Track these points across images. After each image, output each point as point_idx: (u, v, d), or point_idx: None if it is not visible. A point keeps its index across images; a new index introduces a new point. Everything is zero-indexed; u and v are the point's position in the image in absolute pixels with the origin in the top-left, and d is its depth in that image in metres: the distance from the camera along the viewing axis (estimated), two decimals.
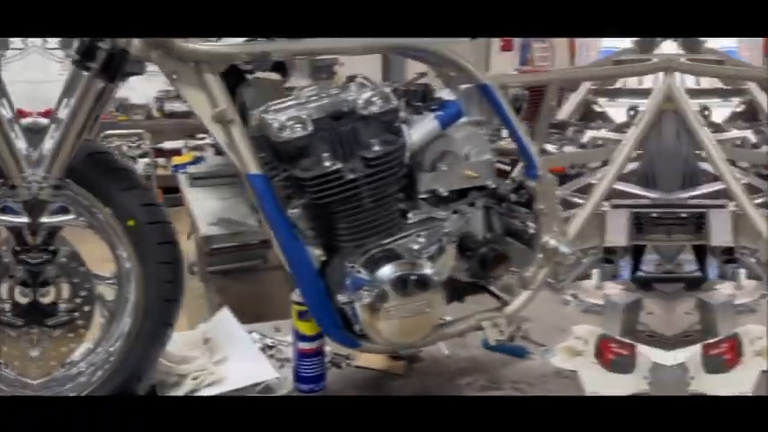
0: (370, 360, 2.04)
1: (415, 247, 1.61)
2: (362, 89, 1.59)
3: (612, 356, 1.94)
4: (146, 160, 5.49)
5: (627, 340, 2.00)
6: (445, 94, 1.76)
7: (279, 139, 1.49)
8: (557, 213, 1.81)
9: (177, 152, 5.84)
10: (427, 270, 1.58)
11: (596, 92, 2.79)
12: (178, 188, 4.50)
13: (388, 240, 1.60)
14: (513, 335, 2.20)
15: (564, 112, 2.61)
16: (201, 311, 3.06)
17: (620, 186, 2.20)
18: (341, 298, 1.58)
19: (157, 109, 6.52)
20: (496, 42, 10.43)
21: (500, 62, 10.20)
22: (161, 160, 5.98)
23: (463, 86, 1.75)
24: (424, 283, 1.56)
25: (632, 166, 2.22)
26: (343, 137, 1.54)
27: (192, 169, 4.62)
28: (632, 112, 2.29)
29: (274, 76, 1.89)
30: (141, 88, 5.90)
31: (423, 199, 1.72)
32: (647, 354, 1.94)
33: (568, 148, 2.01)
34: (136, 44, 1.47)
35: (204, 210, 3.83)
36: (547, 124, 1.90)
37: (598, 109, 3.03)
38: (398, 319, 1.55)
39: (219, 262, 4.13)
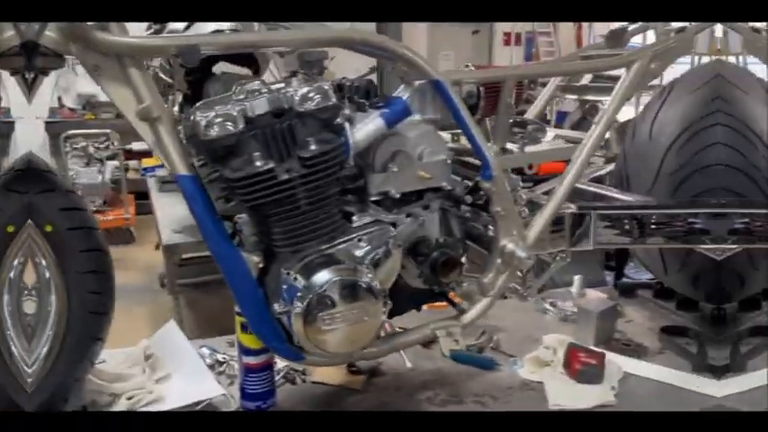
0: (326, 374, 2.03)
1: (357, 252, 1.60)
2: (302, 85, 1.56)
3: (580, 366, 1.93)
4: (114, 163, 5.39)
5: (598, 349, 2.00)
6: (400, 91, 1.75)
7: (206, 138, 1.46)
8: (515, 216, 1.79)
9: (148, 154, 5.77)
10: (366, 276, 1.55)
11: (564, 88, 2.78)
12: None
13: (327, 245, 1.58)
14: (483, 346, 2.21)
15: (531, 112, 2.59)
16: None
17: None
18: (277, 307, 1.55)
19: None
20: (499, 36, 10.54)
21: (504, 56, 10.32)
22: (132, 163, 5.89)
23: (416, 82, 1.73)
24: (363, 290, 1.54)
25: None
26: (278, 135, 1.51)
27: (161, 172, 4.55)
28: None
29: (245, 70, 1.88)
30: None
31: (375, 202, 1.70)
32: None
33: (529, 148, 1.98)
34: (50, 36, 1.44)
35: (171, 217, 3.78)
36: (506, 122, 1.88)
37: (601, 106, 3.03)
38: (335, 329, 1.52)
39: (190, 274, 4.11)
